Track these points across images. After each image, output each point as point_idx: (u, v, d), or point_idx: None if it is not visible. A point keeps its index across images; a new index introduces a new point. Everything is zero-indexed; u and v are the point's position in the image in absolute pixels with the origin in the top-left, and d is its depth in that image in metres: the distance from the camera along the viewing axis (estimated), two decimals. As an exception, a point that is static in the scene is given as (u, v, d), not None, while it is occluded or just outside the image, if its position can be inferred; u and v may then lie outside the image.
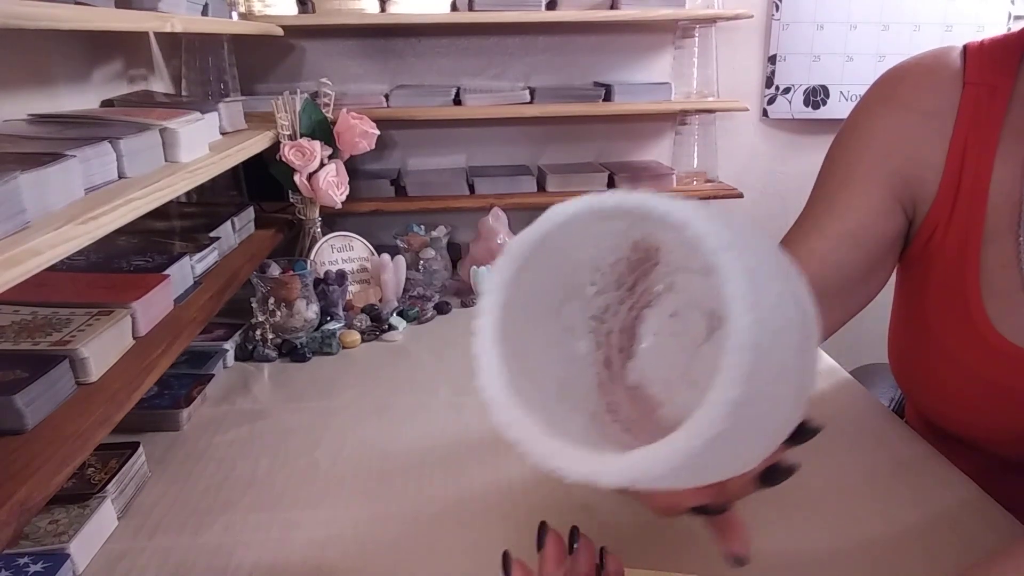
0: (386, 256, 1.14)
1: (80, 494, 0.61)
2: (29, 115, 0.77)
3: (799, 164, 1.58)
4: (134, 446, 0.68)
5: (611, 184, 1.40)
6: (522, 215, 1.37)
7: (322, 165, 1.10)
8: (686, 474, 0.34)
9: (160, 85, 1.23)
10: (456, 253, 1.31)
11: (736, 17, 1.34)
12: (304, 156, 1.08)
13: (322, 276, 1.07)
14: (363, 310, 1.08)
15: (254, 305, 0.97)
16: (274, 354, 0.96)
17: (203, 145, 0.83)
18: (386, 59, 1.41)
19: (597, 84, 1.42)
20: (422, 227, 1.24)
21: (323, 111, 1.13)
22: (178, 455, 0.73)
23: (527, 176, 1.38)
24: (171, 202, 0.71)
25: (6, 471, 0.49)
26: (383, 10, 1.24)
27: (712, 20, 1.39)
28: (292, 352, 0.96)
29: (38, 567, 0.53)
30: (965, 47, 0.64)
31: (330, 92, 1.14)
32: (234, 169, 0.96)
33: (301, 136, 1.09)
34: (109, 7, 0.71)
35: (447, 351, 0.98)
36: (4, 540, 0.45)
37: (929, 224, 0.64)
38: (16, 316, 0.66)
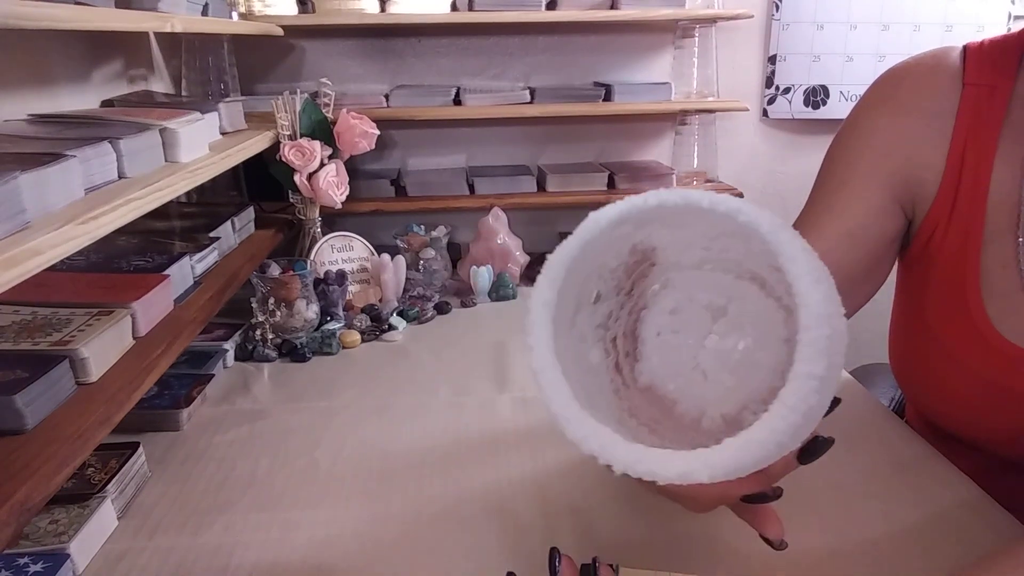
0: (386, 256, 1.14)
1: (80, 494, 0.61)
2: (29, 115, 0.77)
3: (799, 164, 1.58)
4: (134, 446, 0.68)
5: (611, 184, 1.40)
6: (522, 215, 1.37)
7: (322, 165, 1.10)
8: (775, 453, 0.35)
9: (160, 85, 1.23)
10: (456, 253, 1.31)
11: (736, 17, 1.35)
12: (304, 156, 1.08)
13: (322, 276, 1.07)
14: (363, 310, 1.08)
15: (254, 305, 0.97)
16: (274, 354, 0.96)
17: (203, 145, 0.83)
18: (386, 59, 1.41)
19: (597, 84, 1.42)
20: (422, 227, 1.24)
21: (323, 111, 1.13)
22: (178, 455, 0.73)
23: (527, 176, 1.38)
24: (171, 202, 0.71)
25: (6, 471, 0.49)
26: (383, 10, 1.24)
27: (712, 20, 1.39)
28: (292, 352, 0.96)
29: (38, 567, 0.53)
30: (965, 47, 0.64)
31: (330, 92, 1.14)
32: (234, 169, 0.96)
33: (301, 136, 1.09)
34: (109, 7, 0.71)
35: (447, 351, 0.99)
36: (4, 540, 0.45)
37: (929, 224, 0.64)
38: (16, 316, 0.66)
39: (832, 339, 0.33)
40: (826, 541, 0.59)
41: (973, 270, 0.61)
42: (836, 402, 0.41)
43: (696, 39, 1.40)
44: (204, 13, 0.97)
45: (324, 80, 1.16)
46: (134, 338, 0.69)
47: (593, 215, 0.40)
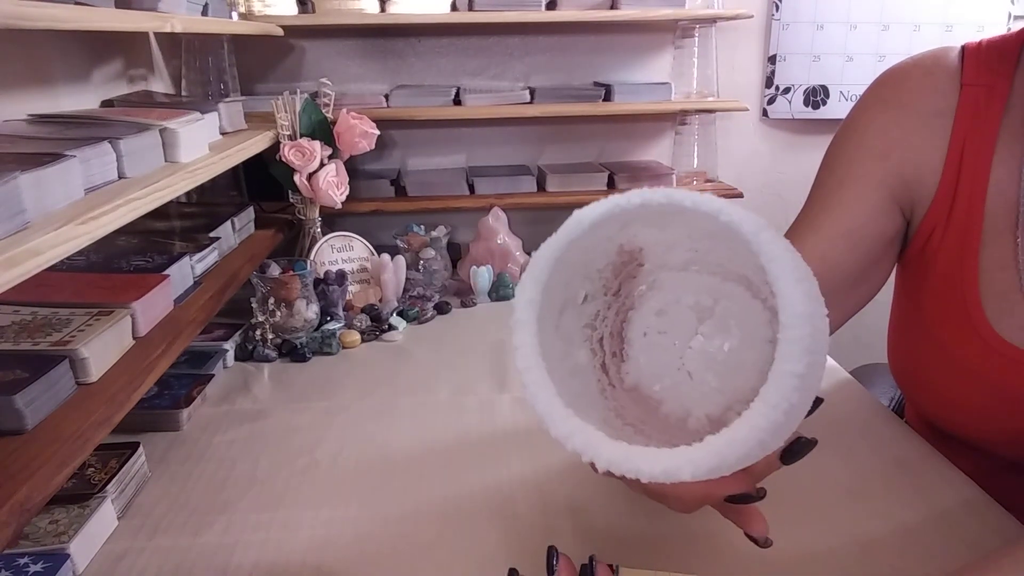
0: (386, 256, 1.14)
1: (80, 494, 0.61)
2: (29, 115, 0.77)
3: (799, 164, 1.58)
4: (134, 446, 0.68)
5: (611, 184, 1.40)
6: (522, 215, 1.37)
7: (322, 165, 1.10)
8: (758, 451, 0.35)
9: (160, 85, 1.23)
10: (456, 253, 1.31)
11: (736, 17, 1.35)
12: (304, 156, 1.08)
13: (322, 276, 1.07)
14: (363, 310, 1.08)
15: (254, 305, 0.97)
16: (274, 354, 0.96)
17: (203, 145, 0.83)
18: (386, 59, 1.41)
19: (597, 84, 1.42)
20: (422, 227, 1.24)
21: (323, 111, 1.13)
22: (178, 455, 0.73)
23: (527, 176, 1.38)
24: (171, 202, 0.71)
25: (6, 471, 0.49)
26: (383, 10, 1.24)
27: (712, 20, 1.39)
28: (292, 352, 0.96)
29: (38, 567, 0.53)
30: (963, 48, 0.64)
31: (330, 92, 1.14)
32: (234, 169, 0.96)
33: (301, 136, 1.09)
34: (109, 7, 0.71)
35: (447, 351, 0.99)
36: (4, 540, 0.45)
37: (927, 225, 0.64)
38: (16, 316, 0.66)
39: (813, 338, 0.33)
40: (826, 541, 0.59)
41: (971, 271, 0.61)
42: (818, 402, 0.41)
43: (696, 39, 1.40)
44: (204, 13, 0.97)
45: (324, 80, 1.16)
46: (134, 338, 0.69)
47: (577, 213, 0.40)
